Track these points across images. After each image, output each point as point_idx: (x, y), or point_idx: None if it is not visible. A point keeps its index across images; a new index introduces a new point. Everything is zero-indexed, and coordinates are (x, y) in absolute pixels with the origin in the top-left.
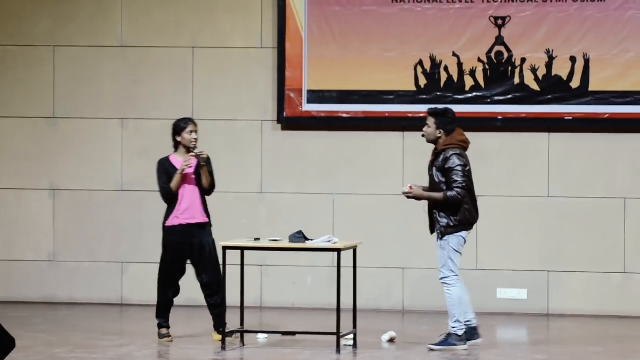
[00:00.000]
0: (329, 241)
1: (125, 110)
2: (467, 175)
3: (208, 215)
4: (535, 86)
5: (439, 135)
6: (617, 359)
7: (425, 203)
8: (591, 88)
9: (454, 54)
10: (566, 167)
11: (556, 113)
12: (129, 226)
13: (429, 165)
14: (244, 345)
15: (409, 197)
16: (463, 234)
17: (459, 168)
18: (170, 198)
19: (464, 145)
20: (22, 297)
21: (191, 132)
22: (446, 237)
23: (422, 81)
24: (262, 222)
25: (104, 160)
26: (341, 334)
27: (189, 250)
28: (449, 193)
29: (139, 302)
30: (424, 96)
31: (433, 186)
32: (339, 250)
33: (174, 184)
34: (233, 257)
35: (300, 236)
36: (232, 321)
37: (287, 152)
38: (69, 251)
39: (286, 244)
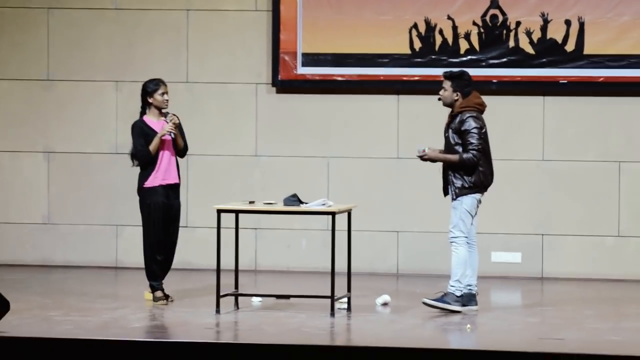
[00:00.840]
0: (324, 204)
1: (120, 73)
2: (483, 137)
3: (179, 177)
4: (530, 50)
5: (455, 98)
6: (610, 321)
7: (440, 165)
8: (586, 51)
9: (449, 17)
10: (561, 130)
11: (551, 77)
12: (123, 189)
13: (445, 128)
14: (238, 308)
15: (424, 160)
16: (477, 195)
17: (475, 130)
18: (148, 161)
19: (481, 108)
20: (17, 259)
21: (163, 93)
22: (460, 198)
23: (417, 44)
24: (256, 185)
25: (99, 123)
26: (335, 297)
27: (167, 210)
28: (465, 155)
29: (134, 265)
30: (419, 59)
31: (449, 148)
32: (333, 214)
33: (152, 147)
34: (227, 220)
35: (294, 199)
36: (226, 284)
37: (282, 115)
38: (64, 214)
39: (281, 207)
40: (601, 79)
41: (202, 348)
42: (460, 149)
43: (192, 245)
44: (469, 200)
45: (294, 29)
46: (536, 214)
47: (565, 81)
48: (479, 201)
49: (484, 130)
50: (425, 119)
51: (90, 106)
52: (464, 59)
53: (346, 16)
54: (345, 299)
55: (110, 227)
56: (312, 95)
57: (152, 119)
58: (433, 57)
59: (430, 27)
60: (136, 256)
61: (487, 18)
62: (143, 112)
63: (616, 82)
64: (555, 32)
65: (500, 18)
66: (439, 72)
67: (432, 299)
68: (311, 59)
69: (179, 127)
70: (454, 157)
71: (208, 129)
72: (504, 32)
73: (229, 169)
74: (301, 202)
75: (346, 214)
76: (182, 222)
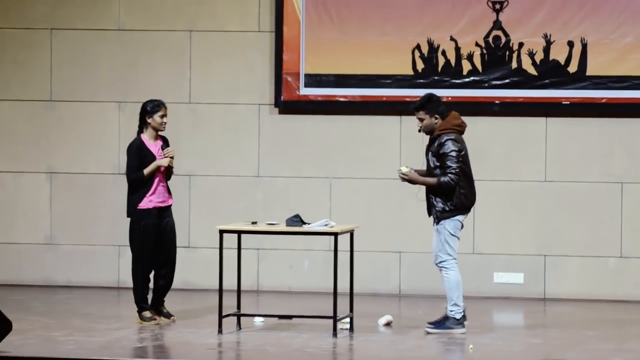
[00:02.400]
0: (326, 225)
1: (123, 93)
2: (463, 159)
3: (171, 197)
4: (532, 71)
5: (435, 121)
6: (612, 343)
7: (418, 188)
8: (589, 72)
9: (452, 39)
10: (563, 151)
11: (553, 98)
12: (125, 209)
13: (425, 150)
14: (240, 328)
15: (403, 180)
16: (459, 217)
17: (454, 153)
18: (141, 185)
19: (460, 129)
20: (19, 280)
21: (162, 115)
22: (442, 222)
23: (420, 65)
24: (259, 205)
25: (101, 144)
26: (338, 318)
27: (160, 232)
28: (442, 179)
29: None
30: (422, 80)
31: (429, 171)
32: (335, 234)
33: (147, 173)
34: (230, 240)
35: (297, 220)
36: (228, 304)
37: (284, 136)
38: (66, 234)
39: (283, 227)
40: (604, 100)
41: None
42: (439, 172)
43: (194, 266)
44: (451, 223)
45: (296, 49)
46: (538, 234)
47: (568, 102)
48: (462, 223)
49: (463, 152)
50: (428, 140)
51: (93, 126)
52: (467, 80)
53: (349, 37)
54: (348, 320)
55: (112, 248)
56: (314, 115)
57: (149, 140)
58: (436, 78)
59: (433, 48)
60: None
61: (490, 39)
62: (140, 131)
63: (619, 104)
64: (558, 54)
65: (503, 39)
66: (442, 93)
67: (433, 326)
68: (314, 80)
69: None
70: (432, 180)
71: (210, 149)
72: (507, 53)
73: (231, 189)
74: (303, 223)
75: (348, 234)
76: (184, 243)
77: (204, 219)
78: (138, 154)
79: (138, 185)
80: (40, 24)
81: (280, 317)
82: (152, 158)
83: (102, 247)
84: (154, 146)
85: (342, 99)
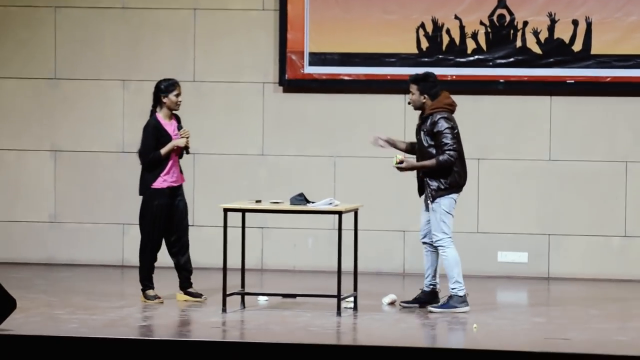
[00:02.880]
0: (330, 204)
1: (127, 72)
2: (456, 137)
3: (183, 176)
4: (537, 49)
5: (423, 100)
6: (616, 322)
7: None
8: (593, 51)
9: (456, 17)
10: (567, 130)
11: (558, 76)
12: (130, 187)
13: (416, 130)
14: (244, 307)
15: (402, 170)
16: (454, 195)
17: (448, 131)
18: (158, 164)
19: (451, 108)
20: (23, 258)
21: (177, 94)
22: (437, 200)
23: (424, 44)
24: (263, 184)
25: (105, 122)
26: (342, 297)
27: (171, 211)
28: (441, 157)
29: None
30: (426, 59)
31: (421, 150)
32: (340, 213)
33: (164, 153)
34: (234, 219)
35: (301, 198)
36: (233, 283)
37: (289, 114)
38: (70, 212)
39: (287, 206)
40: (608, 79)
41: (208, 347)
42: (433, 151)
43: (199, 244)
44: (446, 201)
45: (301, 28)
46: (543, 213)
47: (572, 81)
48: (456, 201)
49: (456, 130)
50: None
51: (97, 105)
52: (471, 58)
53: (353, 15)
54: (352, 299)
55: (116, 226)
56: (319, 94)
57: (164, 120)
58: (440, 56)
59: (437, 27)
60: None
61: (495, 18)
62: (153, 111)
63: (623, 82)
64: (563, 32)
65: (508, 18)
66: (446, 71)
67: (436, 306)
68: (318, 59)
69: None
70: (431, 162)
71: (215, 128)
72: (511, 32)
73: (235, 167)
74: (308, 202)
75: (353, 213)
76: (189, 221)
77: (208, 198)
78: (155, 134)
79: (155, 165)
80: (44, 1)
81: (284, 295)
82: (168, 138)
83: (106, 226)
84: (169, 125)
85: (346, 78)
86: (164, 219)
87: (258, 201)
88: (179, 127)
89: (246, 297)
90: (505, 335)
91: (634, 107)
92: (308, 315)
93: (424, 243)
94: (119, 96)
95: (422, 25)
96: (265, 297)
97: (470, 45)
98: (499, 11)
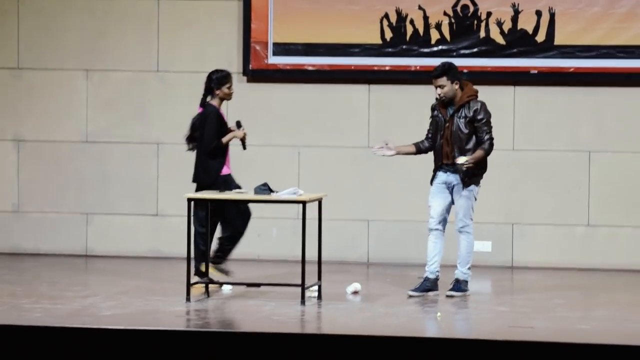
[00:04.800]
0: (294, 193)
1: (90, 61)
2: None
3: None
4: (500, 40)
5: (457, 87)
6: (579, 310)
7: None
8: (556, 42)
9: (420, 7)
10: (531, 120)
11: (521, 67)
12: (93, 177)
13: (444, 118)
14: (208, 296)
15: (467, 169)
16: (480, 183)
17: (490, 118)
18: (220, 153)
19: (477, 94)
20: None
21: (230, 87)
22: (471, 187)
23: (388, 34)
24: None
25: (69, 112)
26: (306, 286)
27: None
28: (486, 146)
29: (104, 253)
30: (390, 49)
31: (459, 138)
32: (304, 203)
33: (225, 142)
34: None
35: (265, 188)
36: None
37: (253, 104)
38: (34, 202)
39: (251, 195)
40: (571, 69)
41: (172, 336)
42: (472, 138)
43: (163, 234)
44: (476, 188)
45: (265, 18)
46: (506, 203)
47: (536, 71)
48: None
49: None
50: (396, 109)
51: (60, 94)
52: (435, 49)
53: (317, 6)
54: (316, 288)
55: (80, 216)
56: (283, 84)
57: (221, 110)
58: (404, 47)
59: (401, 17)
60: (106, 244)
61: (458, 8)
62: (204, 100)
63: (586, 73)
64: (526, 23)
65: (471, 8)
66: (409, 62)
67: (453, 290)
68: (282, 49)
69: (239, 125)
70: (479, 154)
71: (179, 118)
72: (475, 22)
73: None
74: (272, 191)
75: (317, 202)
76: (152, 211)
77: (172, 187)
78: (217, 123)
79: (217, 153)
80: None
81: (249, 284)
82: (226, 126)
83: (70, 215)
84: (223, 115)
85: (310, 68)
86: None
87: (222, 191)
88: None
89: (210, 286)
90: (469, 324)
91: (597, 97)
92: (272, 304)
93: (436, 230)
94: (82, 86)
95: (386, 16)
96: (230, 286)
97: (434, 35)
98: (462, 2)
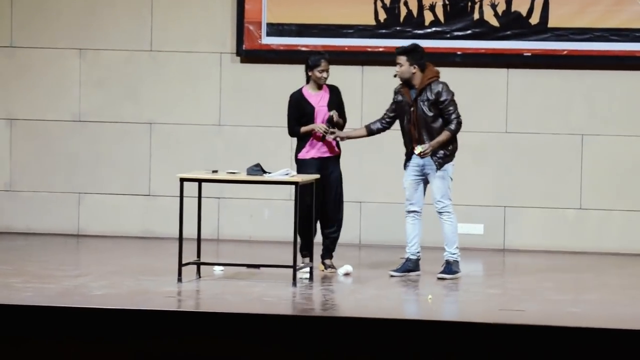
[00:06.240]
0: (287, 174)
1: (83, 40)
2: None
3: (339, 147)
4: (494, 22)
5: (413, 71)
6: (570, 293)
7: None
8: (550, 24)
9: None
10: (524, 103)
11: (515, 49)
12: (85, 157)
13: (407, 103)
14: (200, 277)
15: (424, 156)
16: (454, 162)
17: (453, 98)
18: (299, 137)
19: (439, 77)
20: None
21: (322, 70)
22: (445, 167)
23: (382, 15)
24: (219, 154)
25: (62, 91)
26: (297, 267)
27: (323, 182)
28: (453, 127)
29: (95, 232)
30: (384, 30)
31: (424, 121)
32: (296, 184)
33: (303, 131)
34: (190, 189)
35: (258, 169)
36: (188, 253)
37: (246, 85)
38: (26, 181)
39: (244, 176)
40: (565, 52)
41: (163, 316)
42: (437, 120)
43: (155, 214)
44: (451, 168)
45: None
46: (499, 185)
47: (529, 54)
48: None
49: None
50: (389, 90)
51: (53, 73)
52: (429, 30)
53: None
54: (307, 269)
55: (72, 195)
56: (276, 65)
57: (310, 92)
58: (398, 28)
59: None
60: (98, 224)
61: None
62: (307, 82)
63: (580, 55)
64: (520, 5)
65: None
66: (403, 43)
67: (444, 273)
68: (276, 29)
69: (331, 120)
70: (445, 136)
71: (171, 97)
72: (469, 4)
73: (192, 137)
74: (264, 172)
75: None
76: (144, 191)
77: (164, 167)
78: (296, 105)
79: (296, 137)
80: None
81: (240, 265)
82: (311, 109)
83: (61, 195)
84: (314, 97)
85: (303, 49)
86: (309, 191)
87: (215, 171)
88: (332, 100)
89: (202, 267)
90: (460, 307)
91: (590, 80)
92: (263, 285)
93: (413, 212)
94: (75, 65)
95: None
96: (221, 267)
97: (428, 17)
98: None
